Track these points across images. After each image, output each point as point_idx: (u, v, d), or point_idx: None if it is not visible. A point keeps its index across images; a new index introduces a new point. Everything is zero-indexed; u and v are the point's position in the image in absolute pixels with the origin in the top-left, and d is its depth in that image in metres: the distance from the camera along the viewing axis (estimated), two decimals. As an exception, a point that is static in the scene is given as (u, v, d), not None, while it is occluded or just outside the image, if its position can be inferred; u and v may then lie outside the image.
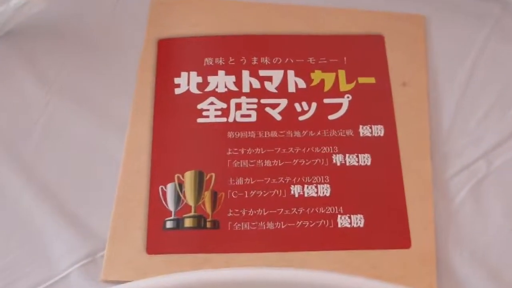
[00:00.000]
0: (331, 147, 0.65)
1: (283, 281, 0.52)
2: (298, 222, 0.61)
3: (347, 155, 0.65)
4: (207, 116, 0.67)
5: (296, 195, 0.63)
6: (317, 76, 0.69)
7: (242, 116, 0.67)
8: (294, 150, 0.65)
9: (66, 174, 0.65)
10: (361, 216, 0.62)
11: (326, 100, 0.68)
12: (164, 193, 0.63)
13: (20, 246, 0.61)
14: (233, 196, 0.63)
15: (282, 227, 0.61)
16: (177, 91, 0.69)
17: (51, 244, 0.61)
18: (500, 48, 0.72)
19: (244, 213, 0.62)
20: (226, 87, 0.69)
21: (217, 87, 0.69)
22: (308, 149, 0.65)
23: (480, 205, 0.63)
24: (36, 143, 0.67)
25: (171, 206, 0.63)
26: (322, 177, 0.64)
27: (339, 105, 0.68)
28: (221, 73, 0.70)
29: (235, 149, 0.65)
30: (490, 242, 0.61)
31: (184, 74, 0.70)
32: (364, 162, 0.65)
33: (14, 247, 0.61)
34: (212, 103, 0.68)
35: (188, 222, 0.62)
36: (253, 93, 0.68)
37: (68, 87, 0.70)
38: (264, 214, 0.62)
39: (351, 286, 0.52)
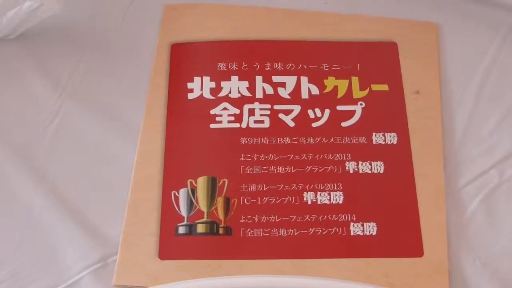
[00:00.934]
0: (344, 154, 0.65)
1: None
2: (310, 229, 0.62)
3: (360, 162, 0.65)
4: (220, 122, 0.67)
5: (309, 202, 0.63)
6: (330, 82, 0.70)
7: (255, 122, 0.67)
8: (307, 157, 0.65)
9: (78, 178, 0.66)
10: (374, 224, 0.62)
11: (339, 107, 0.68)
12: (177, 199, 0.63)
13: (32, 250, 0.62)
14: (246, 203, 0.63)
15: (295, 234, 0.61)
16: (190, 96, 0.69)
17: (63, 248, 0.62)
18: (510, 59, 0.72)
19: (256, 220, 0.62)
20: (239, 92, 0.69)
21: (230, 92, 0.69)
22: (321, 156, 0.65)
23: (492, 214, 0.63)
24: (48, 146, 0.67)
25: (183, 211, 0.63)
26: (335, 184, 0.64)
27: (352, 112, 0.68)
28: (234, 78, 0.70)
29: (248, 155, 0.65)
30: (503, 252, 0.61)
31: (197, 79, 0.70)
32: (377, 169, 0.65)
33: (26, 251, 0.62)
34: (225, 109, 0.68)
35: (200, 228, 0.62)
36: (266, 99, 0.69)
37: (80, 90, 0.71)
38: (277, 220, 0.62)
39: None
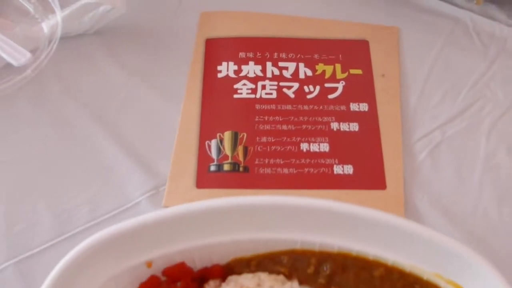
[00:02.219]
0: (329, 117, 0.64)
1: (294, 204, 0.52)
2: (305, 169, 0.61)
3: (341, 123, 0.64)
4: (241, 93, 0.66)
5: (304, 150, 0.62)
6: (320, 67, 0.68)
7: (266, 94, 0.66)
8: (303, 119, 0.64)
9: (138, 131, 0.65)
10: (351, 166, 0.61)
11: (326, 85, 0.67)
12: (209, 146, 0.62)
13: (104, 183, 0.61)
14: (259, 150, 0.62)
15: (294, 172, 0.61)
16: (219, 75, 0.68)
17: (127, 181, 0.61)
18: (451, 52, 0.71)
19: (267, 162, 0.61)
20: (254, 73, 0.68)
21: (248, 73, 0.68)
22: (313, 118, 0.64)
23: (436, 163, 0.62)
24: (117, 110, 0.66)
25: (214, 155, 0.62)
26: (323, 138, 0.63)
27: (336, 88, 0.67)
28: (251, 63, 0.68)
29: (261, 117, 0.64)
30: (443, 189, 0.60)
31: (224, 63, 0.68)
32: (354, 128, 0.64)
33: (99, 183, 0.61)
34: (244, 84, 0.67)
35: (226, 167, 0.61)
36: (274, 78, 0.67)
37: (141, 71, 0.69)
38: (281, 163, 0.61)
39: (343, 208, 0.52)
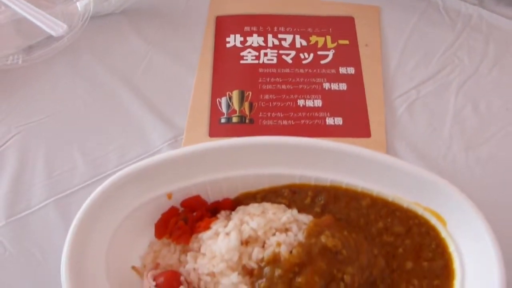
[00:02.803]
0: (322, 79, 0.64)
1: (293, 143, 0.51)
2: (302, 121, 0.61)
3: (331, 83, 0.63)
4: (246, 60, 0.66)
5: (301, 105, 0.62)
6: (313, 39, 0.68)
7: (268, 60, 0.66)
8: (300, 80, 0.64)
9: (159, 92, 0.64)
10: (341, 118, 0.61)
11: (319, 52, 0.67)
12: (220, 103, 0.62)
13: (130, 134, 0.61)
14: (262, 105, 0.62)
15: (292, 124, 0.60)
16: (228, 45, 0.67)
17: (150, 133, 0.61)
18: (425, 27, 0.70)
19: (269, 115, 0.61)
20: (258, 43, 0.67)
21: (252, 43, 0.67)
22: (308, 79, 0.64)
23: (413, 116, 0.62)
24: (142, 75, 0.66)
25: (224, 110, 0.61)
26: (316, 95, 0.62)
27: (327, 55, 0.66)
28: (255, 35, 0.68)
29: (264, 78, 0.64)
30: (419, 137, 0.60)
31: (232, 36, 0.68)
32: (342, 88, 0.63)
33: (126, 135, 0.61)
34: (249, 52, 0.66)
35: (234, 119, 0.61)
36: (274, 47, 0.67)
37: (161, 43, 0.68)
38: (281, 116, 0.61)
39: (335, 146, 0.52)
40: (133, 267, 0.50)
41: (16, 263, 0.52)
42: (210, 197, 0.53)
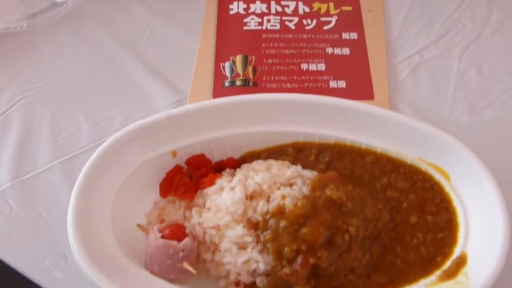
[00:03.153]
0: (325, 44, 0.64)
1: (297, 99, 0.51)
2: (305, 84, 0.60)
3: (334, 48, 0.63)
4: (249, 26, 0.66)
5: (304, 69, 0.62)
6: (316, 5, 0.68)
7: (271, 26, 0.66)
8: (303, 45, 0.64)
9: (163, 58, 0.64)
10: (344, 81, 0.60)
11: (322, 18, 0.66)
12: (223, 67, 0.62)
13: (134, 98, 0.61)
14: (266, 69, 0.62)
15: (296, 87, 0.60)
16: (231, 12, 0.67)
17: (154, 96, 0.61)
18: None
19: (272, 78, 0.61)
20: (261, 10, 0.67)
21: (255, 10, 0.67)
22: (311, 44, 0.64)
23: (416, 80, 0.62)
24: (145, 41, 0.66)
25: (228, 74, 0.61)
26: (320, 59, 0.62)
27: (330, 21, 0.66)
28: (257, 2, 0.68)
29: (267, 43, 0.64)
30: (422, 100, 0.60)
31: (235, 3, 0.68)
32: (345, 52, 0.63)
33: (130, 99, 0.61)
34: (252, 19, 0.66)
35: (238, 83, 0.61)
36: (277, 14, 0.67)
37: (163, 11, 0.68)
38: (285, 79, 0.61)
39: (338, 102, 0.52)
40: (138, 225, 0.50)
41: (22, 222, 0.53)
42: (214, 156, 0.53)
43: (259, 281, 0.46)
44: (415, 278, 0.46)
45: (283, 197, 0.47)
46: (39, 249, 0.51)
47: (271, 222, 0.46)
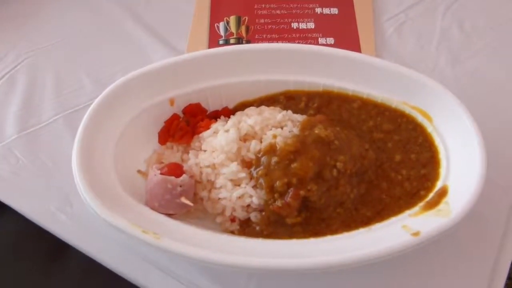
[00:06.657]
0: (314, 4, 0.66)
1: (287, 48, 0.53)
2: (296, 41, 0.63)
3: (323, 8, 0.66)
4: (243, -8, 0.68)
5: (294, 28, 0.64)
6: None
7: (263, -12, 0.68)
8: (293, 5, 0.66)
9: (160, 20, 0.67)
10: (332, 38, 0.63)
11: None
12: (218, 27, 0.64)
13: (134, 57, 0.63)
14: (258, 28, 0.64)
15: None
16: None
17: (152, 55, 0.63)
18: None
19: (264, 37, 0.63)
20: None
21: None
22: (301, 4, 0.66)
23: (401, 36, 0.64)
24: (144, 4, 0.68)
25: (222, 33, 0.64)
26: (309, 18, 0.65)
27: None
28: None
29: (259, 4, 0.66)
30: (408, 55, 0.62)
31: (228, -31, 0.70)
32: (334, 12, 0.65)
33: (130, 57, 0.63)
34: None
35: (232, 41, 0.63)
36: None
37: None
38: (276, 37, 0.63)
39: (325, 50, 0.54)
40: (139, 171, 0.52)
41: (29, 171, 0.55)
42: (210, 105, 0.55)
43: (253, 216, 0.48)
44: (400, 210, 0.48)
45: (274, 136, 0.49)
46: (44, 196, 0.53)
47: (264, 159, 0.48)
